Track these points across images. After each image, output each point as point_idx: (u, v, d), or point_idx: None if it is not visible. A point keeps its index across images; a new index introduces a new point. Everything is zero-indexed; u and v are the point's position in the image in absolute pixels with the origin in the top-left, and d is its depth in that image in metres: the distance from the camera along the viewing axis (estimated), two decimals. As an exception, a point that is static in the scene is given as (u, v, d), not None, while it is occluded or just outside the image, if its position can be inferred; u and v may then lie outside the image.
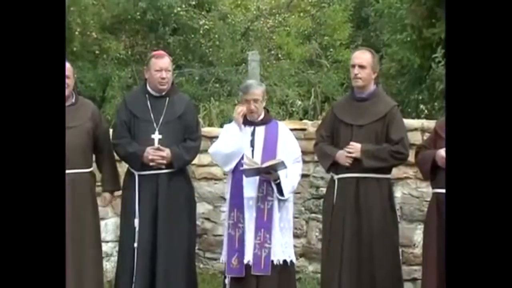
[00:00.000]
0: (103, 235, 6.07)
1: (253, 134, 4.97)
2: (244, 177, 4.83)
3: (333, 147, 4.92)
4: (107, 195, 5.20)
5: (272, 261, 4.81)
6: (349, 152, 4.77)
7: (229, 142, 4.89)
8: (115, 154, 5.21)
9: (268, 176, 4.79)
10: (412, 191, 5.89)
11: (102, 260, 5.22)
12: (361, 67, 4.85)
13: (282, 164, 4.75)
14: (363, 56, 4.94)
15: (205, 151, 5.39)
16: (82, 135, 4.98)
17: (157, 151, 4.91)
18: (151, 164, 4.92)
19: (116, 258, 5.40)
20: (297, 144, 5.07)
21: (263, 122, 5.00)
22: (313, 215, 6.17)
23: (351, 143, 4.78)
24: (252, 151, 4.91)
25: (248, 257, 4.80)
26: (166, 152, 4.92)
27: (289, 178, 4.86)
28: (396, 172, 5.74)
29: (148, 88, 5.11)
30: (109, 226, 6.17)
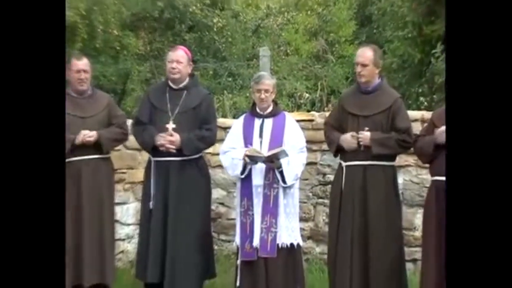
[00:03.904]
0: (124, 218, 6.16)
1: (261, 125, 5.00)
2: (253, 167, 4.87)
3: (337, 133, 4.95)
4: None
5: (278, 244, 4.84)
6: (360, 140, 4.77)
7: (232, 167, 4.95)
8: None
9: (272, 164, 4.81)
10: (412, 177, 5.89)
11: (115, 233, 5.32)
12: (364, 65, 4.88)
13: (283, 153, 4.76)
14: (365, 55, 4.94)
15: (220, 140, 5.37)
16: (99, 124, 5.11)
17: (167, 137, 4.95)
18: (161, 148, 4.96)
19: (137, 239, 5.47)
20: (302, 135, 5.07)
21: (271, 114, 5.03)
22: (320, 200, 6.19)
23: (361, 132, 4.79)
24: (261, 142, 4.94)
25: (256, 241, 4.84)
26: (175, 137, 4.94)
27: (293, 167, 4.86)
28: (398, 160, 5.70)
29: (168, 81, 5.17)
30: (130, 210, 6.25)
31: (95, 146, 5.00)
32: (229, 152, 4.99)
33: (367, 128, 4.79)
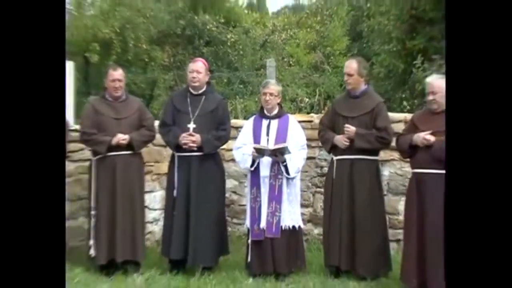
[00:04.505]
0: (152, 204, 6.17)
1: (268, 125, 5.02)
2: (260, 161, 4.89)
3: (332, 133, 4.99)
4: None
5: (282, 226, 4.87)
6: (347, 131, 4.82)
7: (243, 161, 4.99)
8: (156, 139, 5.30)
9: (277, 158, 4.83)
10: (397, 170, 5.88)
11: (145, 217, 5.31)
12: (349, 75, 4.98)
13: (286, 149, 4.78)
14: (350, 66, 5.03)
15: (233, 138, 5.36)
16: (131, 124, 5.09)
17: (188, 136, 4.96)
18: (184, 146, 4.96)
19: (162, 222, 5.46)
20: (304, 134, 5.08)
21: (277, 116, 5.05)
22: (318, 189, 6.16)
23: (347, 125, 4.85)
24: (267, 139, 4.96)
25: (263, 223, 4.86)
26: (196, 137, 4.95)
27: (295, 161, 4.90)
28: (384, 155, 5.76)
29: (189, 88, 5.17)
30: (157, 197, 6.23)
31: (128, 145, 5.00)
32: (241, 148, 5.02)
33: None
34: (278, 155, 4.82)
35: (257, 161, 4.91)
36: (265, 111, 5.06)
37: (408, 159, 4.78)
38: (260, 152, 4.85)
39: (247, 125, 5.15)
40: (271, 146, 4.88)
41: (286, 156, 4.82)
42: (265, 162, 4.90)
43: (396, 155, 5.68)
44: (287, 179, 4.90)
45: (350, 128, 4.83)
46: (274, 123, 5.01)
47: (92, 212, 4.98)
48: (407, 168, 5.28)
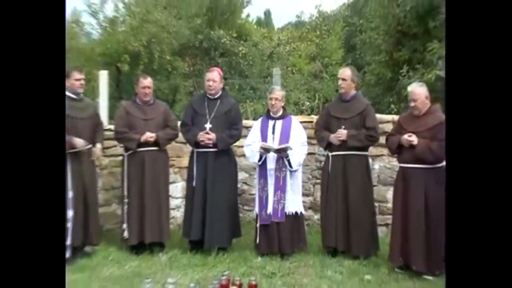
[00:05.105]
0: (174, 193, 6.17)
1: (274, 125, 5.01)
2: (267, 156, 4.90)
3: (327, 133, 4.99)
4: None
5: (286, 212, 4.88)
6: (339, 136, 4.85)
7: (252, 156, 4.98)
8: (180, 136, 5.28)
9: (280, 154, 4.85)
10: (386, 164, 5.86)
11: (169, 204, 5.28)
12: (343, 79, 4.97)
13: (288, 147, 4.81)
14: (344, 72, 5.03)
15: (244, 136, 5.37)
16: (157, 124, 5.09)
17: (205, 135, 4.97)
18: (201, 143, 4.98)
19: (183, 209, 5.47)
20: (304, 133, 5.08)
21: (281, 117, 5.05)
22: (318, 181, 6.12)
23: (340, 130, 4.87)
24: (273, 137, 4.96)
25: (270, 210, 4.87)
26: (212, 135, 4.96)
27: (297, 156, 4.89)
28: (375, 151, 5.77)
29: (207, 93, 5.17)
30: (179, 187, 6.22)
31: (155, 142, 5.01)
32: (250, 146, 5.02)
33: (343, 126, 4.87)
34: (281, 152, 4.83)
35: (264, 157, 4.92)
36: (271, 113, 5.07)
37: (395, 156, 4.78)
38: (266, 150, 4.87)
39: (256, 125, 5.16)
40: (276, 144, 4.89)
41: (289, 152, 4.83)
42: (271, 157, 4.91)
43: (385, 151, 5.68)
44: (290, 171, 4.90)
45: (342, 132, 4.85)
46: (279, 123, 5.02)
47: (125, 200, 4.99)
48: (394, 163, 5.28)
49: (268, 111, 5.13)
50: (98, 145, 4.94)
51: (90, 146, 4.85)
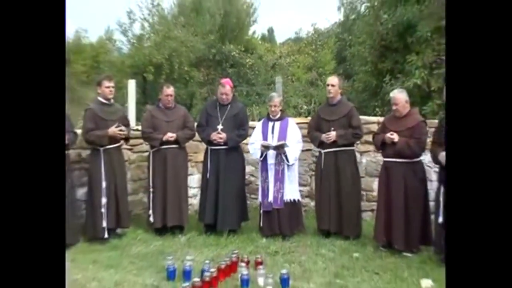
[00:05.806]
0: (191, 184, 6.15)
1: (273, 126, 4.99)
2: (267, 152, 4.88)
3: (319, 133, 4.97)
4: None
5: (285, 200, 4.86)
6: (330, 138, 4.83)
7: (255, 153, 4.96)
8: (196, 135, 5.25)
9: (279, 151, 4.83)
10: (372, 159, 5.82)
11: (188, 194, 5.26)
12: (332, 85, 4.93)
13: (285, 145, 4.79)
14: (333, 80, 5.02)
15: (251, 136, 5.36)
16: (177, 126, 5.07)
17: (217, 134, 4.97)
18: (214, 142, 4.98)
19: (199, 197, 5.45)
20: (299, 132, 5.04)
21: (279, 119, 5.03)
22: (314, 173, 6.14)
23: (329, 132, 4.85)
24: (272, 136, 4.94)
25: (270, 198, 4.86)
26: (223, 135, 4.95)
27: (293, 152, 4.87)
28: (363, 148, 5.73)
29: (218, 100, 5.17)
30: (195, 179, 6.19)
31: (175, 141, 5.00)
32: (253, 144, 5.00)
33: (332, 128, 4.84)
34: (279, 149, 4.81)
35: (265, 153, 4.89)
36: (271, 116, 5.05)
37: (380, 151, 4.75)
38: (266, 147, 4.84)
39: (258, 126, 5.13)
40: (275, 141, 4.88)
41: (286, 149, 4.82)
42: (271, 153, 4.89)
43: (371, 148, 5.64)
44: (288, 165, 4.88)
45: (331, 134, 4.83)
46: (277, 124, 5.00)
47: (150, 190, 4.99)
48: (379, 157, 5.25)
49: (268, 114, 5.12)
50: (116, 129, 4.71)
51: (121, 143, 4.89)
